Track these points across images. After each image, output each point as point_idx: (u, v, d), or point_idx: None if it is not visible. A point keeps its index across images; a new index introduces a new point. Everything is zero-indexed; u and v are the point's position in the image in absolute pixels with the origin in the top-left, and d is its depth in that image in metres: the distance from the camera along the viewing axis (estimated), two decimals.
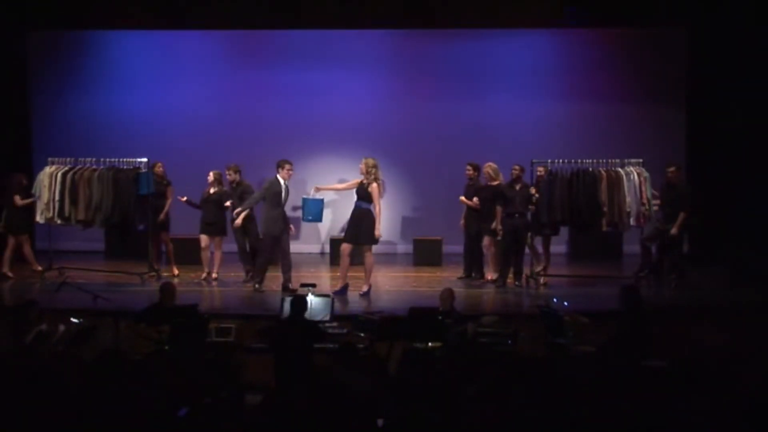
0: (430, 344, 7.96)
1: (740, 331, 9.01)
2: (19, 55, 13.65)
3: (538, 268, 11.50)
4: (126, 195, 11.41)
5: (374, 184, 10.61)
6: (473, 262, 11.85)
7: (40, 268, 11.86)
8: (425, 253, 13.37)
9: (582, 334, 8.18)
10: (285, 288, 10.68)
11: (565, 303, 9.16)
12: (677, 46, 13.91)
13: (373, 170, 10.64)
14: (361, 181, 10.69)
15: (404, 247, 14.31)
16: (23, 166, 13.55)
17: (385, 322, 8.47)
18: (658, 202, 11.29)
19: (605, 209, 11.00)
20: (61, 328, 8.18)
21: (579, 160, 11.28)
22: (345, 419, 5.17)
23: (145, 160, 11.62)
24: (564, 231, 14.04)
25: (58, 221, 11.57)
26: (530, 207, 11.24)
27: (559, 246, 14.05)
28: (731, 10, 12.68)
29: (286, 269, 10.92)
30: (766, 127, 12.52)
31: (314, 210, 11.23)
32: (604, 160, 11.29)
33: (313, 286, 9.42)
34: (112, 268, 12.30)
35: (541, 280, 11.32)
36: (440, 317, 8.33)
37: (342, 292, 10.62)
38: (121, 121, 14.40)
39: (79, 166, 11.64)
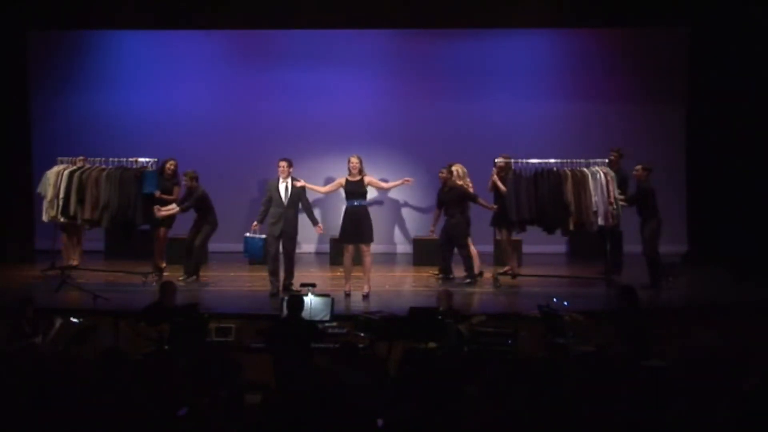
0: (430, 344, 7.96)
1: (740, 331, 9.01)
2: (19, 55, 13.62)
3: (505, 268, 11.62)
4: (130, 194, 11.38)
5: (368, 177, 10.77)
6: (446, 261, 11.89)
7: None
8: (425, 253, 13.34)
9: (582, 334, 8.18)
10: (286, 288, 10.66)
11: (565, 303, 9.16)
12: (678, 46, 13.90)
13: (358, 164, 10.71)
14: (353, 180, 10.66)
15: (404, 247, 14.30)
16: (23, 166, 13.56)
17: (385, 322, 8.47)
18: (622, 198, 11.31)
19: (571, 209, 10.99)
20: (58, 322, 8.19)
21: (545, 160, 11.29)
22: (345, 419, 5.17)
23: (154, 159, 11.60)
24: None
25: (62, 219, 11.52)
26: (493, 206, 11.35)
27: (558, 246, 14.06)
28: (732, 10, 12.67)
29: (287, 270, 10.86)
30: (767, 126, 12.51)
31: (253, 249, 11.04)
32: (569, 160, 11.28)
33: (313, 285, 9.42)
34: (111, 267, 12.28)
35: (500, 279, 11.43)
36: (440, 317, 8.33)
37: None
38: (121, 121, 14.36)
39: (87, 166, 11.60)
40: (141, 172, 11.44)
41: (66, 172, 11.46)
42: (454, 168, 11.57)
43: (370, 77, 14.47)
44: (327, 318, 8.72)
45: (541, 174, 11.15)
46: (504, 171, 11.41)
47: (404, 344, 7.99)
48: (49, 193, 11.44)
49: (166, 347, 7.97)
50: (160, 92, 14.54)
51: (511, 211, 11.16)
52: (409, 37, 14.33)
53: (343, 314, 9.31)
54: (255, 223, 10.95)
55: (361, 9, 13.08)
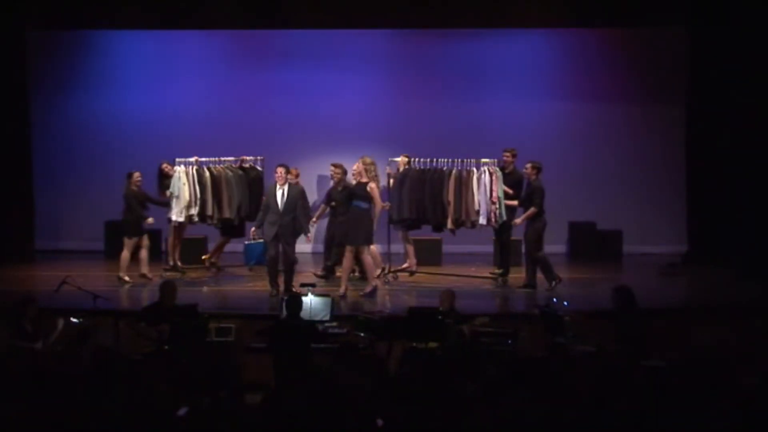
0: (430, 344, 7.96)
1: (740, 331, 9.01)
2: (19, 55, 13.63)
3: (403, 266, 11.72)
4: (258, 192, 11.67)
5: (372, 184, 10.55)
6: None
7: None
8: (425, 253, 13.33)
9: (582, 334, 8.18)
10: (286, 289, 10.62)
11: (565, 303, 9.16)
12: (678, 46, 13.88)
13: (371, 168, 10.61)
14: (360, 181, 10.60)
15: (403, 247, 14.27)
16: (23, 167, 13.56)
17: (385, 322, 8.48)
18: (515, 202, 11.29)
19: (450, 208, 11.05)
20: (60, 323, 8.19)
21: (435, 159, 11.34)
22: (345, 419, 5.18)
23: (261, 158, 11.87)
24: (562, 230, 14.08)
25: (196, 219, 11.60)
26: (385, 204, 11.30)
27: (557, 246, 14.06)
28: (732, 10, 12.67)
29: (287, 274, 10.79)
30: (766, 126, 12.51)
31: (255, 254, 11.11)
32: (460, 159, 11.30)
33: (313, 286, 9.41)
34: (114, 268, 12.25)
35: (394, 276, 11.58)
36: (440, 317, 8.32)
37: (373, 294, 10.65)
38: (122, 120, 14.38)
39: (216, 165, 11.67)
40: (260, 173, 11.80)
41: (194, 173, 11.51)
42: (355, 166, 11.55)
43: (370, 77, 14.47)
44: (327, 318, 8.71)
45: (426, 173, 11.21)
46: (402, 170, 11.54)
47: (404, 344, 7.99)
48: (186, 193, 11.44)
49: (166, 347, 7.96)
50: (160, 92, 14.54)
51: (393, 210, 11.25)
52: (409, 37, 14.33)
53: (343, 314, 9.30)
54: (253, 229, 10.95)
55: (361, 9, 13.08)
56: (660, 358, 7.55)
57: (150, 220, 11.49)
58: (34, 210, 13.68)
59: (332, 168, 11.70)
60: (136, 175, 11.59)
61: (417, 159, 11.44)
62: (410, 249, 11.72)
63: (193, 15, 13.29)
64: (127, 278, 11.33)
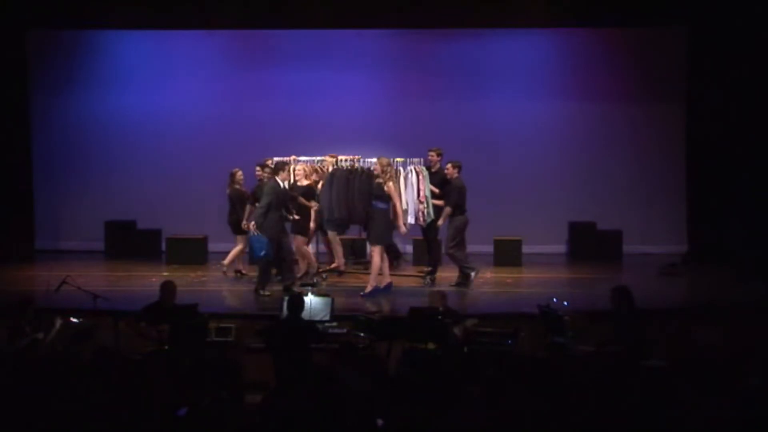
0: (430, 344, 7.95)
1: (740, 331, 9.01)
2: (19, 54, 13.64)
3: (332, 265, 11.71)
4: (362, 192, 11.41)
5: (390, 183, 10.60)
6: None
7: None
8: (425, 254, 13.31)
9: (582, 334, 8.18)
10: (286, 288, 10.64)
11: (565, 303, 9.16)
12: (678, 45, 13.91)
13: (388, 169, 10.64)
14: (377, 182, 10.70)
15: (405, 248, 14.29)
16: (23, 166, 13.57)
17: (385, 322, 8.48)
18: (442, 201, 11.30)
19: None
20: (58, 322, 8.17)
21: (362, 159, 11.35)
22: (345, 419, 5.18)
23: (358, 157, 11.68)
24: (562, 230, 14.09)
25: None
26: (312, 204, 11.32)
27: (558, 246, 14.06)
28: (732, 10, 12.67)
29: (289, 269, 10.87)
30: (766, 126, 12.51)
31: (262, 245, 11.12)
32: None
33: (313, 285, 9.40)
34: (114, 268, 12.27)
35: (323, 276, 11.51)
36: (440, 317, 8.32)
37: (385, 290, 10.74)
38: (121, 120, 14.39)
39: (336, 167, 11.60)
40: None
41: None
42: (299, 167, 11.51)
43: (370, 77, 14.48)
44: (327, 318, 8.71)
45: (353, 173, 11.22)
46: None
47: (404, 344, 7.98)
48: None
49: (166, 347, 7.96)
50: (160, 92, 14.54)
51: (324, 210, 11.22)
52: (409, 37, 14.33)
53: (343, 314, 9.30)
54: (253, 223, 10.90)
55: (362, 9, 13.09)
56: (660, 358, 7.55)
57: (246, 224, 11.28)
58: (34, 210, 13.68)
59: (258, 168, 11.68)
60: (239, 174, 11.66)
61: (344, 159, 11.39)
62: (338, 249, 11.65)
63: (193, 15, 13.29)
64: (244, 271, 11.62)
